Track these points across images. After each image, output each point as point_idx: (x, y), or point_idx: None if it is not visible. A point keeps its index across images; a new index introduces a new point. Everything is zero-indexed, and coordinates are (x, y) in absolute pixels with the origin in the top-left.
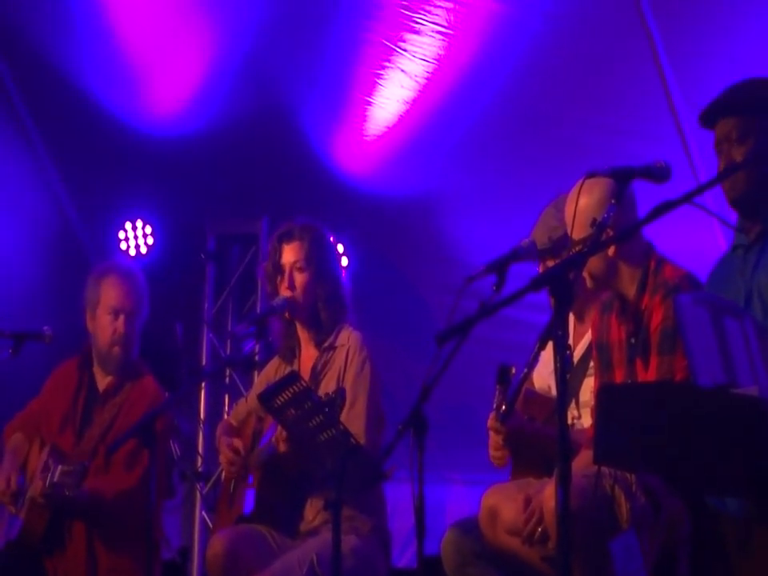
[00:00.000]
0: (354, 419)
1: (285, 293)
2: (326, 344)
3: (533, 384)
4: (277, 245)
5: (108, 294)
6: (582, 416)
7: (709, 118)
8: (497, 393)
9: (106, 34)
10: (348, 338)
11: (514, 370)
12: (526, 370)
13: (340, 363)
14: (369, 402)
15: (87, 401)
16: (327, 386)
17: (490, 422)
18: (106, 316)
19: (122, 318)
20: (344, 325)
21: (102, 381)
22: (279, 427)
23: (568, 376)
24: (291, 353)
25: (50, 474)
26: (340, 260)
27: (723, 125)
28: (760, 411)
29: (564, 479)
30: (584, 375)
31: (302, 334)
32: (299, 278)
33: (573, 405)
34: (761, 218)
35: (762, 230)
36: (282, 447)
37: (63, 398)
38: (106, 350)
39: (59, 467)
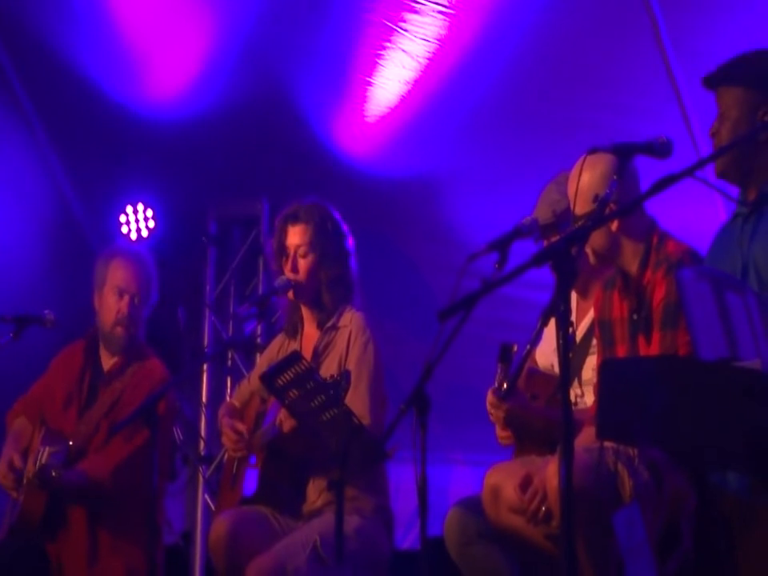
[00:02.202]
0: (356, 400)
1: (288, 275)
2: (329, 324)
3: (536, 362)
4: (282, 225)
5: (115, 274)
6: (585, 394)
7: (711, 83)
8: (498, 371)
9: (106, 18)
10: (350, 319)
11: (515, 348)
12: (528, 347)
13: (342, 344)
14: (372, 382)
15: (92, 381)
16: (329, 367)
17: (488, 400)
18: (112, 296)
19: (126, 298)
20: (347, 306)
21: (108, 362)
22: (282, 409)
23: (571, 354)
24: (294, 329)
25: (38, 457)
26: (346, 241)
27: (721, 93)
28: (763, 385)
29: (567, 457)
30: (586, 354)
31: (306, 313)
32: (302, 263)
33: (576, 383)
34: (755, 186)
35: (757, 198)
36: (286, 428)
37: (68, 379)
38: (108, 329)
39: (46, 448)
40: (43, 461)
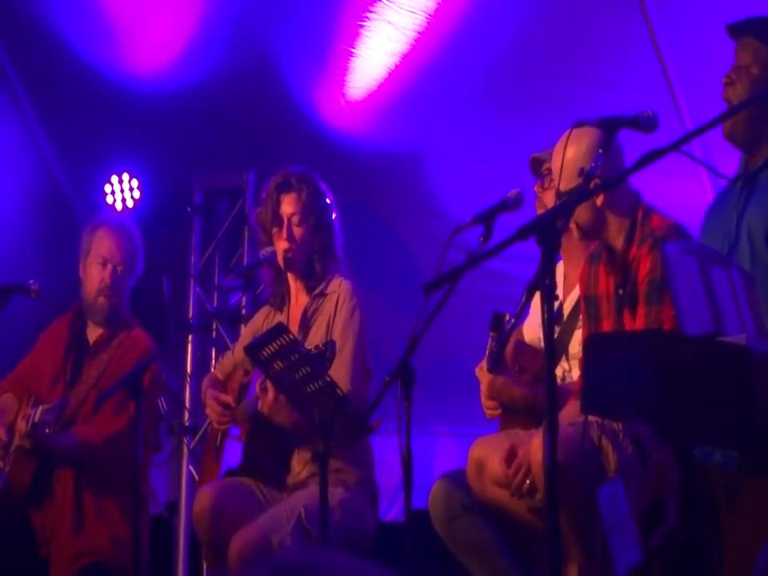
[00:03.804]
0: (339, 365)
1: (282, 244)
2: (317, 291)
3: (522, 336)
4: (274, 194)
5: (99, 244)
6: (572, 369)
7: (736, 32)
8: (490, 340)
9: None
10: (339, 286)
11: (508, 317)
12: (513, 321)
13: (330, 310)
14: (355, 349)
15: (78, 354)
16: (317, 333)
17: (480, 364)
18: (95, 265)
19: (109, 268)
20: (335, 274)
21: (93, 333)
22: (261, 377)
23: (558, 329)
24: (281, 300)
25: (31, 417)
26: (332, 210)
27: (745, 46)
28: (747, 360)
29: (551, 432)
30: (574, 328)
31: (293, 283)
32: (297, 231)
33: (563, 359)
34: (760, 152)
35: (762, 164)
36: (262, 396)
37: (54, 356)
38: (92, 299)
39: (39, 407)
40: (36, 418)
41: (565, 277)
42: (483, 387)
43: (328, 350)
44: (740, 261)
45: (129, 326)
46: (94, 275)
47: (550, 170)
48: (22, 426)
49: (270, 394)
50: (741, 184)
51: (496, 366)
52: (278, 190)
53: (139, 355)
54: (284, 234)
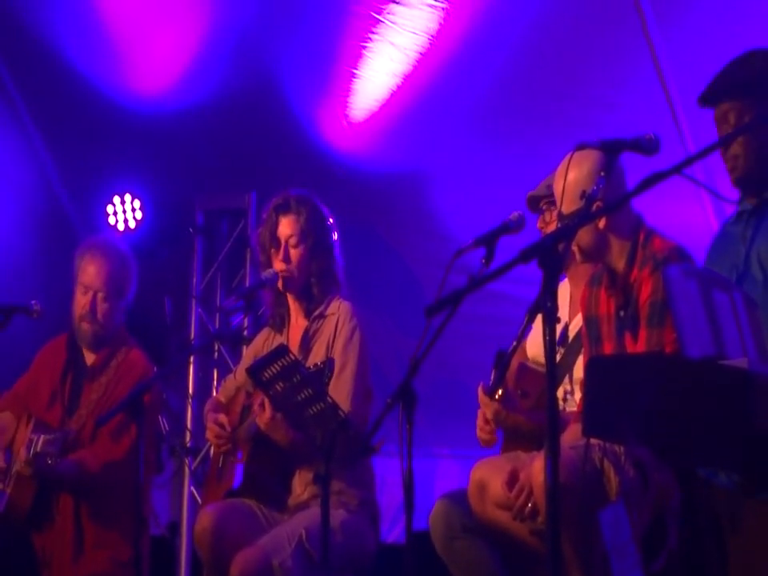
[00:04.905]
0: (340, 387)
1: (279, 266)
2: (317, 313)
3: (525, 352)
4: (273, 215)
5: (84, 271)
6: (575, 391)
7: (707, 101)
8: (493, 376)
9: (95, 10)
10: (338, 307)
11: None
12: (515, 344)
13: (330, 331)
14: (357, 370)
15: (76, 376)
16: (317, 354)
17: (479, 397)
18: (79, 292)
19: (90, 294)
20: (335, 295)
21: (90, 356)
22: (256, 402)
23: (563, 350)
24: (281, 322)
25: (33, 445)
26: (333, 233)
27: (721, 108)
28: (748, 383)
29: (553, 455)
30: (579, 351)
31: (293, 305)
32: (294, 253)
33: (566, 380)
34: (763, 191)
35: (765, 198)
36: (260, 413)
37: (52, 375)
38: (76, 324)
39: (42, 437)
40: (38, 449)
41: (571, 298)
42: (487, 416)
43: (327, 368)
44: (751, 292)
45: (125, 347)
46: (78, 301)
47: (548, 204)
48: (23, 453)
49: (268, 412)
50: (747, 215)
51: (492, 395)
52: (277, 212)
53: (137, 377)
54: (281, 255)
